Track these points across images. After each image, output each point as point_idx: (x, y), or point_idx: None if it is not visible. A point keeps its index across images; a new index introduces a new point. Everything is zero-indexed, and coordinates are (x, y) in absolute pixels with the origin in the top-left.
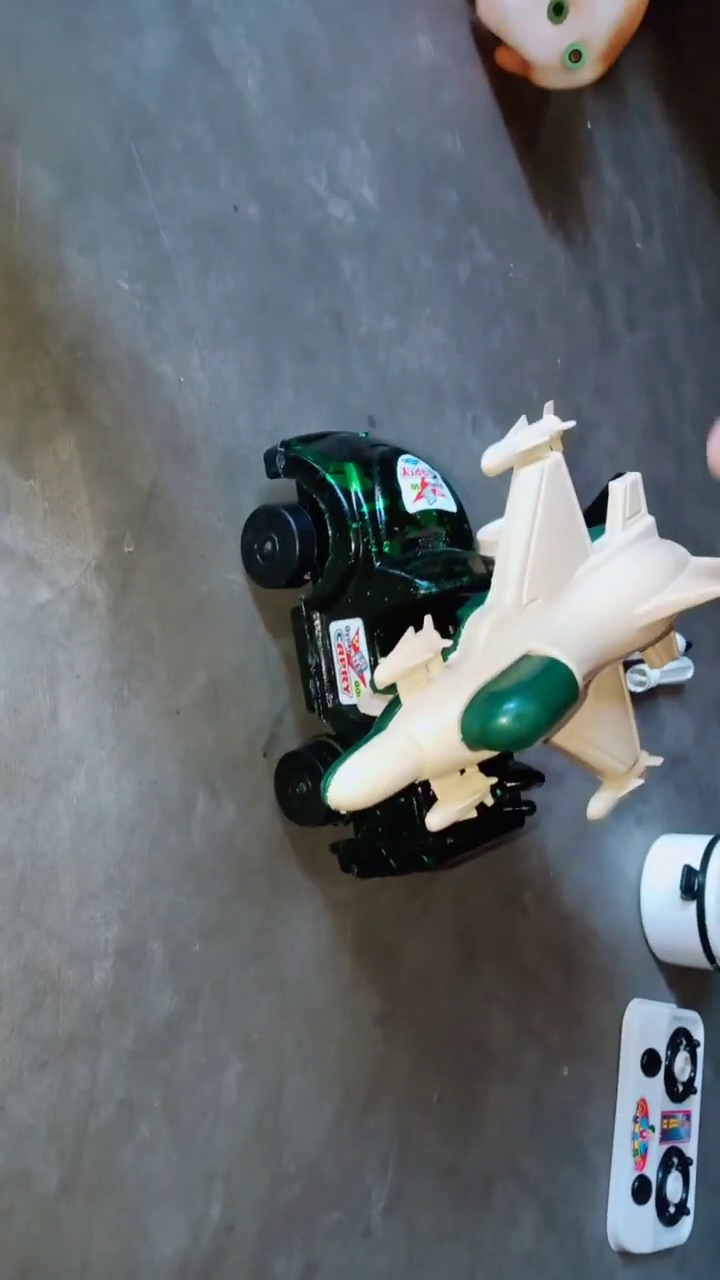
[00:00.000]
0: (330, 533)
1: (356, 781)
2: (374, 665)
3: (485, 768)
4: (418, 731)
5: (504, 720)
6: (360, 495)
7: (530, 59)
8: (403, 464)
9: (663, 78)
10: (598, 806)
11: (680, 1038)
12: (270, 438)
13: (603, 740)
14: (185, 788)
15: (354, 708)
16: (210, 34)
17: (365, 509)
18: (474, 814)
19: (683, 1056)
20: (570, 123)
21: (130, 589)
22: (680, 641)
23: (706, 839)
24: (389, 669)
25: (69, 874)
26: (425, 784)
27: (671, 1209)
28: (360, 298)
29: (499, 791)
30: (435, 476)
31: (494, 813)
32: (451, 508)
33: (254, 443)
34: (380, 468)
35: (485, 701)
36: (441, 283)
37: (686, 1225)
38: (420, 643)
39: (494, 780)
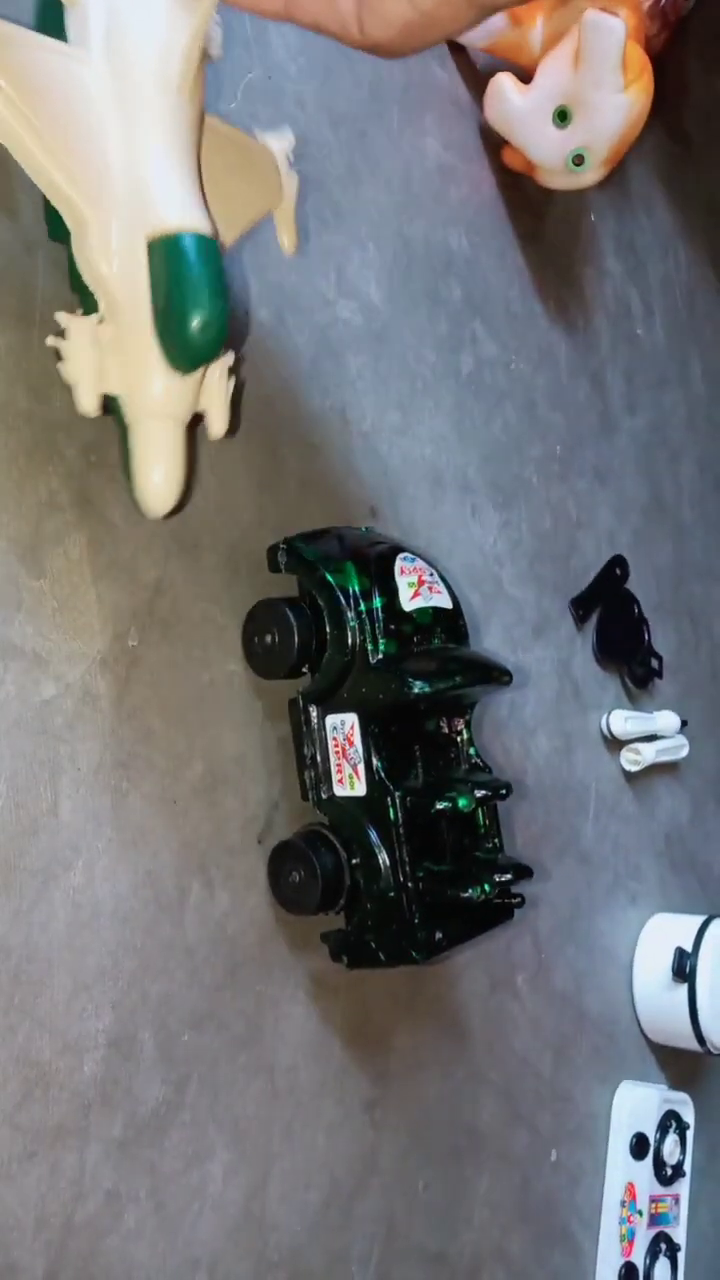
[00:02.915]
0: (328, 629)
1: (164, 488)
2: (368, 760)
3: (479, 867)
4: (154, 399)
5: (194, 336)
6: (358, 594)
7: (535, 161)
8: (400, 562)
9: (666, 165)
10: (284, 242)
11: (670, 1120)
12: (275, 530)
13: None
14: (180, 877)
15: (349, 799)
16: None
17: (363, 607)
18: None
19: (672, 1139)
20: (574, 214)
21: (133, 682)
22: (674, 720)
23: (699, 920)
24: (76, 381)
25: (63, 965)
26: (417, 878)
27: None
28: (365, 393)
29: (489, 887)
30: (432, 574)
31: (484, 906)
32: (447, 604)
33: (258, 535)
34: (378, 566)
35: (165, 334)
36: (445, 376)
37: None
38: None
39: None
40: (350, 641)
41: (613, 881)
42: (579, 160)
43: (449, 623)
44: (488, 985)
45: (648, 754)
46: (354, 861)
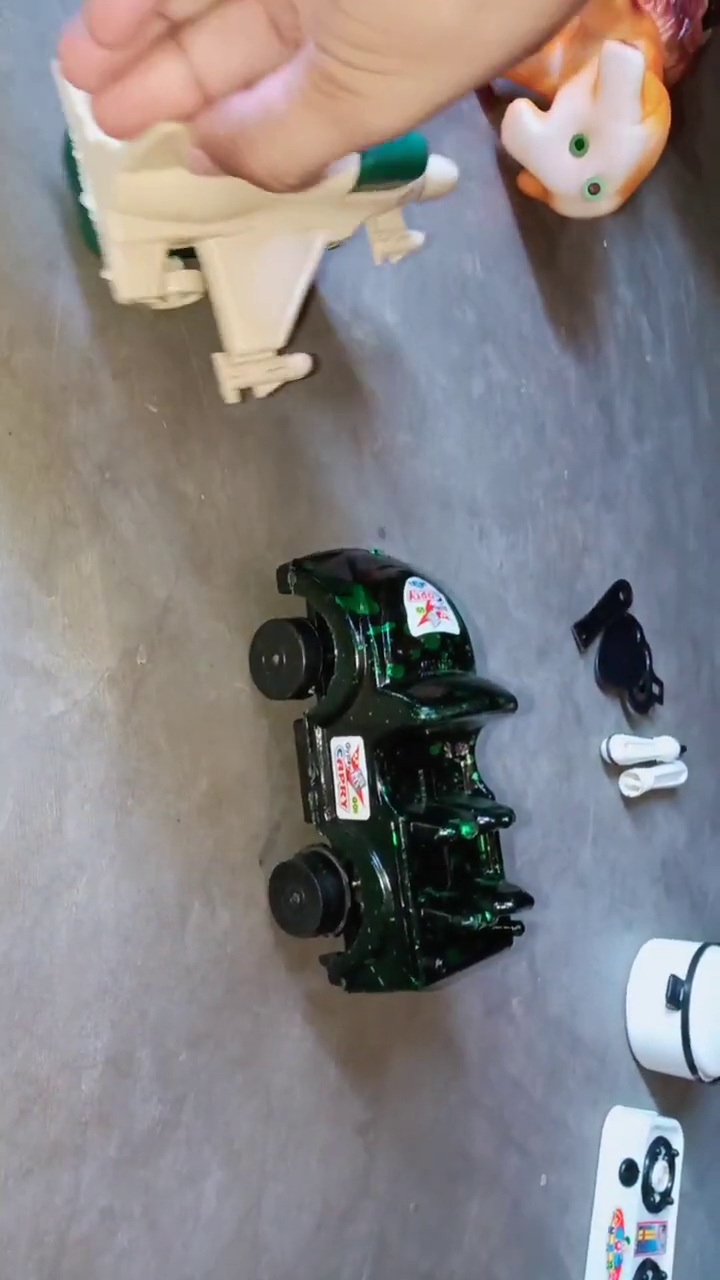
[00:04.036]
0: (336, 652)
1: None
2: (372, 784)
3: (480, 894)
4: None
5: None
6: (367, 618)
7: (550, 188)
8: (409, 587)
9: (679, 193)
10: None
11: (659, 1147)
12: (285, 549)
13: None
14: (182, 895)
15: (352, 822)
16: None
17: (371, 631)
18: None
19: (660, 1166)
20: (587, 241)
21: (141, 699)
22: (674, 745)
23: (694, 947)
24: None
25: (64, 983)
26: (419, 904)
27: None
28: (376, 414)
29: (490, 915)
30: (440, 599)
31: (484, 934)
32: (455, 630)
33: (269, 554)
34: (387, 590)
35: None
36: (455, 398)
37: None
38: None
39: None
40: (358, 665)
41: (609, 906)
42: (595, 189)
43: (456, 648)
44: (483, 1009)
45: (646, 780)
46: (355, 885)
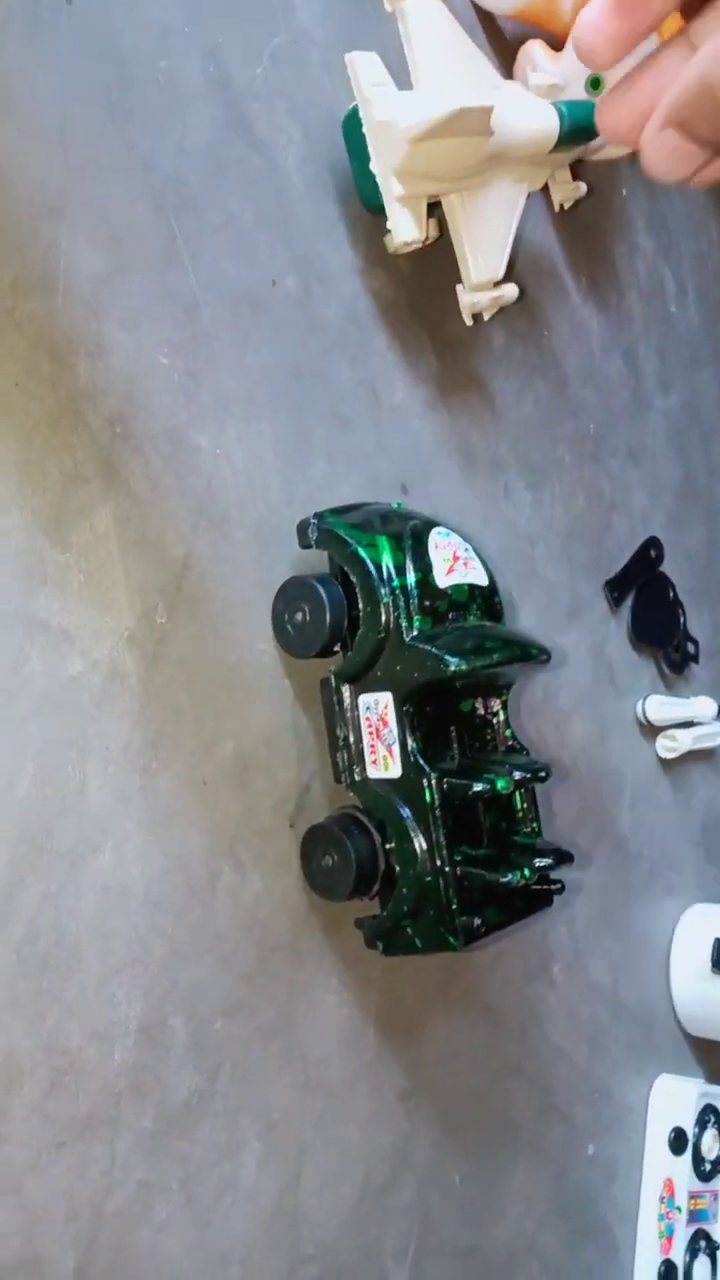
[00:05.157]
0: (361, 606)
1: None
2: (402, 741)
3: (518, 852)
4: None
5: None
6: (392, 569)
7: None
8: (435, 537)
9: None
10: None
11: (709, 1114)
12: (303, 506)
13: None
14: (210, 860)
15: (383, 781)
16: (250, 110)
17: (397, 583)
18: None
19: (710, 1134)
20: (606, 190)
21: (161, 660)
22: (712, 706)
23: None
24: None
25: (92, 950)
26: (455, 863)
27: None
28: (395, 366)
29: (529, 872)
30: (467, 549)
31: (523, 893)
32: (483, 581)
33: (287, 511)
34: (412, 541)
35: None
36: (476, 350)
37: None
38: None
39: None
40: (384, 619)
41: (649, 871)
42: None
43: (485, 600)
44: (523, 974)
45: (684, 741)
46: (388, 846)
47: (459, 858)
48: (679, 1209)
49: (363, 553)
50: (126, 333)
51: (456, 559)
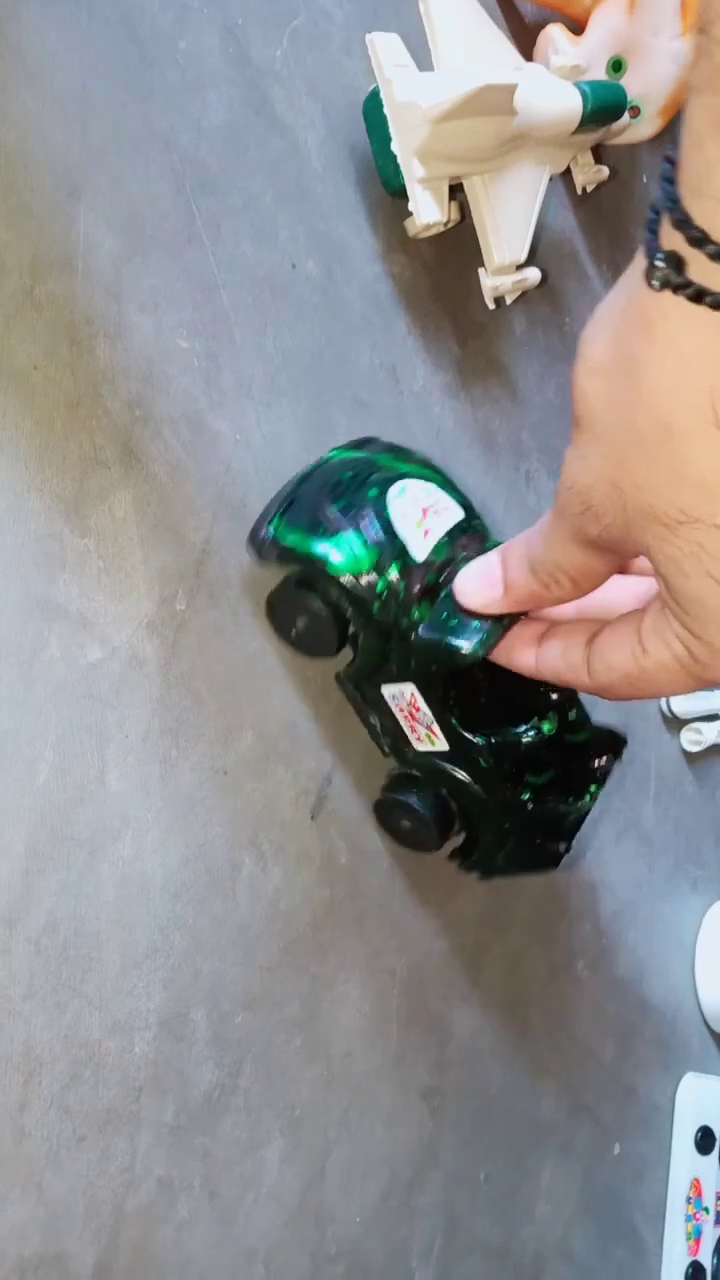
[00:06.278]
0: (352, 615)
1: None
2: (441, 719)
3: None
4: None
5: None
6: (371, 573)
7: None
8: (396, 506)
9: None
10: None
11: None
12: None
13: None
14: (232, 850)
15: (432, 754)
16: (271, 91)
17: (381, 586)
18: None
19: None
20: (626, 175)
21: (181, 647)
22: None
23: None
24: None
25: (112, 941)
26: (522, 804)
27: None
28: (416, 351)
29: (595, 791)
30: (429, 491)
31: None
32: (458, 515)
33: None
34: (379, 524)
35: None
36: (498, 336)
37: None
38: None
39: None
40: (380, 623)
41: (674, 865)
42: (635, 112)
43: (467, 535)
44: (547, 971)
45: (709, 734)
46: (457, 805)
47: (527, 794)
48: (706, 1210)
49: (333, 569)
50: (146, 315)
51: (425, 514)
